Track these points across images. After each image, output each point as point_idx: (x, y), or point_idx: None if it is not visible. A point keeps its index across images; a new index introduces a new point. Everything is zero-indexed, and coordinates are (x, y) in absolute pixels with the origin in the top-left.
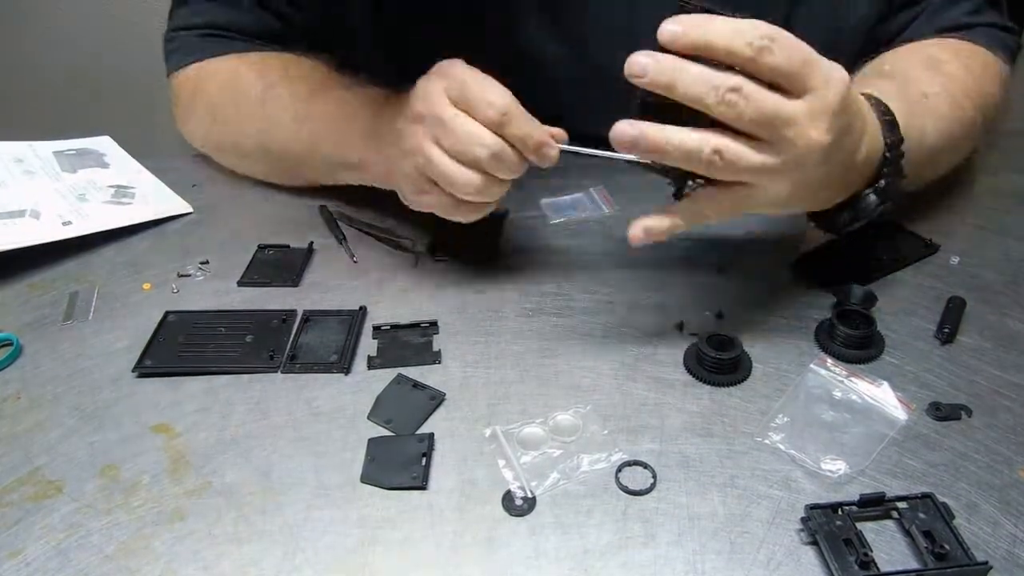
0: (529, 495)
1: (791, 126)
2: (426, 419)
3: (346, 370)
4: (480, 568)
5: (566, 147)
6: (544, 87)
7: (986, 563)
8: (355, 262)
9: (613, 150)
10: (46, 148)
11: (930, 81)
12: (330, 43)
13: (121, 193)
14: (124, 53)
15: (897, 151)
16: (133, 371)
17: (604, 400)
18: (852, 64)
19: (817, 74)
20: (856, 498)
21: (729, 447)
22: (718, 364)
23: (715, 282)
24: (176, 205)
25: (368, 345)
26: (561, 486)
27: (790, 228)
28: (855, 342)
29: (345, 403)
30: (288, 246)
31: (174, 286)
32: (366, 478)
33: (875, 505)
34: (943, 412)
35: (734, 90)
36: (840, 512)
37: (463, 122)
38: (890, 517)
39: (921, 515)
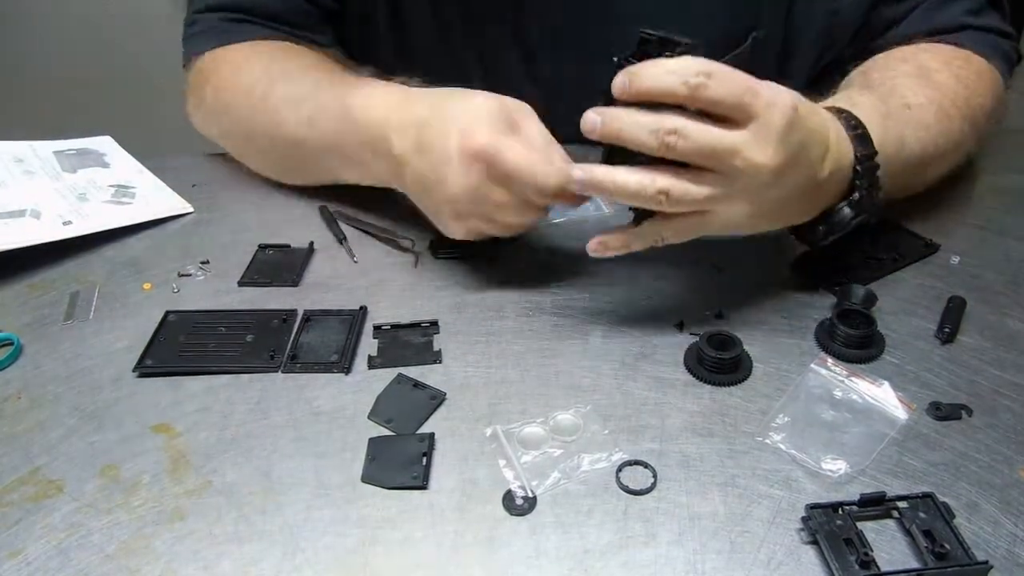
0: (530, 495)
1: (736, 155)
2: (427, 419)
3: (347, 370)
4: (481, 568)
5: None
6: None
7: (986, 563)
8: (355, 262)
9: None
10: (46, 148)
11: (916, 92)
12: (349, 28)
13: (121, 193)
14: (124, 53)
15: (870, 163)
16: (133, 371)
17: (604, 400)
18: (847, 50)
19: (759, 101)
20: (856, 498)
21: (730, 447)
22: (718, 364)
23: (715, 282)
24: (177, 205)
25: (369, 345)
26: (562, 486)
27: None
28: (855, 342)
29: (346, 403)
30: (288, 246)
31: (174, 286)
32: (367, 478)
33: (875, 505)
34: (943, 412)
35: (671, 132)
36: (841, 512)
37: (523, 158)
38: (890, 517)
39: (921, 515)
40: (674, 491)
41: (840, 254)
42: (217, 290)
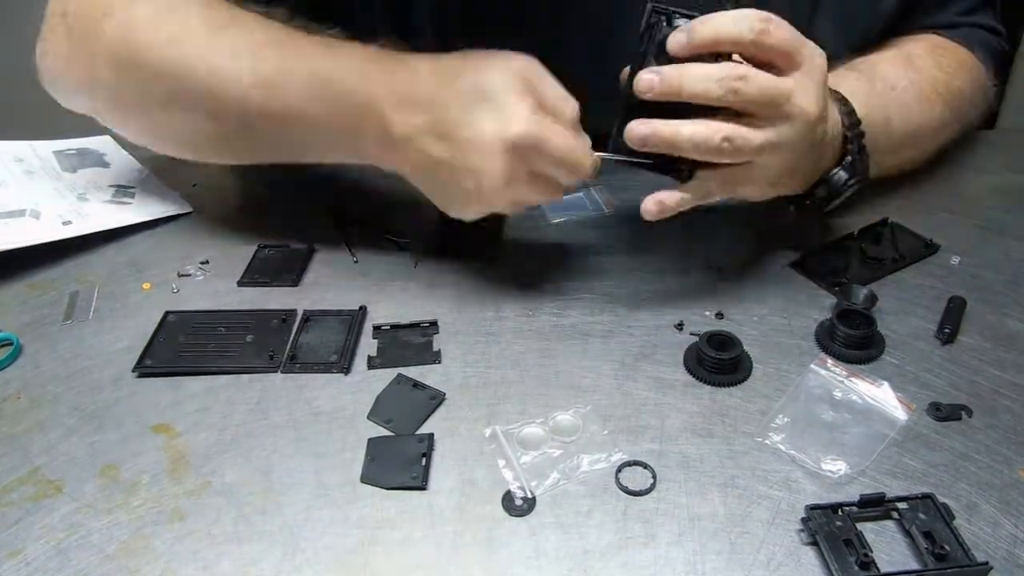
0: (529, 495)
1: (789, 99)
2: (426, 419)
3: (346, 370)
4: (480, 568)
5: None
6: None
7: (986, 563)
8: (355, 262)
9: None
10: (46, 148)
11: (899, 75)
12: (327, 9)
13: (121, 193)
14: None
15: (857, 129)
16: (133, 371)
17: (604, 400)
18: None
19: (805, 50)
20: (856, 498)
21: (729, 447)
22: (718, 364)
23: (715, 282)
24: (176, 205)
25: (368, 345)
26: (561, 486)
27: (790, 228)
28: (855, 342)
29: (345, 403)
30: (288, 246)
31: (174, 286)
32: (366, 478)
33: (875, 505)
34: (943, 412)
35: (740, 78)
36: (840, 512)
37: (560, 136)
38: (890, 517)
39: (921, 515)
40: (674, 492)
41: (840, 254)
42: (217, 290)
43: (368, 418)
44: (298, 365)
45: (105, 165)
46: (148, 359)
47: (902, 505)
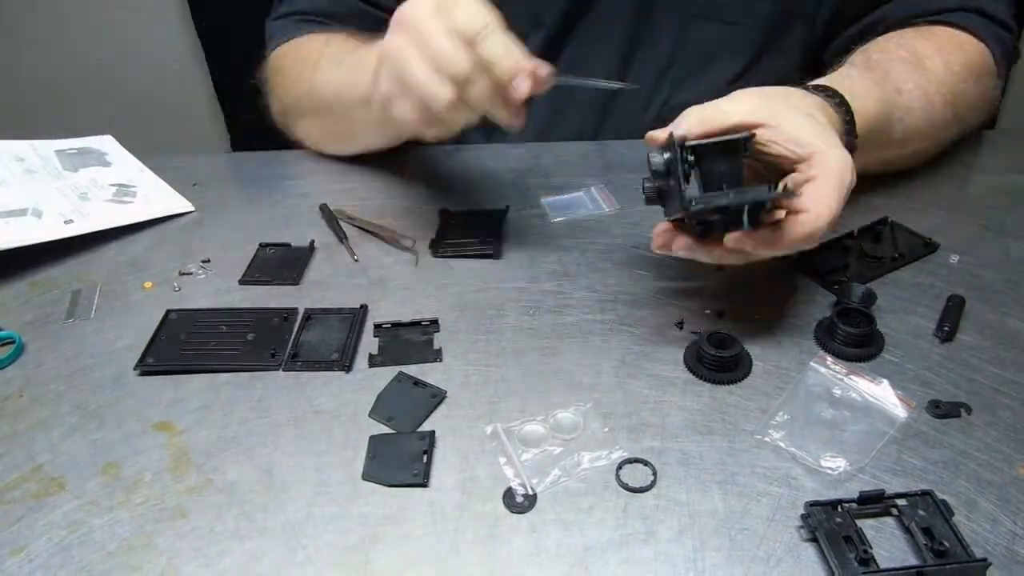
0: (530, 492)
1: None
2: (427, 417)
3: (347, 368)
4: (481, 565)
5: (558, 79)
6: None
7: (985, 560)
8: (356, 260)
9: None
10: (48, 147)
11: (907, 78)
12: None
13: (123, 192)
14: (125, 53)
15: (850, 138)
16: (135, 369)
17: (605, 398)
18: (854, 28)
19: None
20: (856, 495)
21: (729, 444)
22: (718, 362)
23: (715, 281)
24: (178, 204)
25: (369, 343)
26: (562, 483)
27: None
28: (855, 340)
29: (346, 401)
30: (289, 245)
31: (176, 284)
32: (367, 475)
33: (875, 502)
34: (943, 410)
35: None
36: (840, 509)
37: (439, 31)
38: (890, 514)
39: (921, 512)
40: (674, 489)
41: (840, 253)
42: (218, 289)
43: (369, 416)
44: (299, 363)
45: (106, 164)
46: (150, 357)
47: (901, 502)
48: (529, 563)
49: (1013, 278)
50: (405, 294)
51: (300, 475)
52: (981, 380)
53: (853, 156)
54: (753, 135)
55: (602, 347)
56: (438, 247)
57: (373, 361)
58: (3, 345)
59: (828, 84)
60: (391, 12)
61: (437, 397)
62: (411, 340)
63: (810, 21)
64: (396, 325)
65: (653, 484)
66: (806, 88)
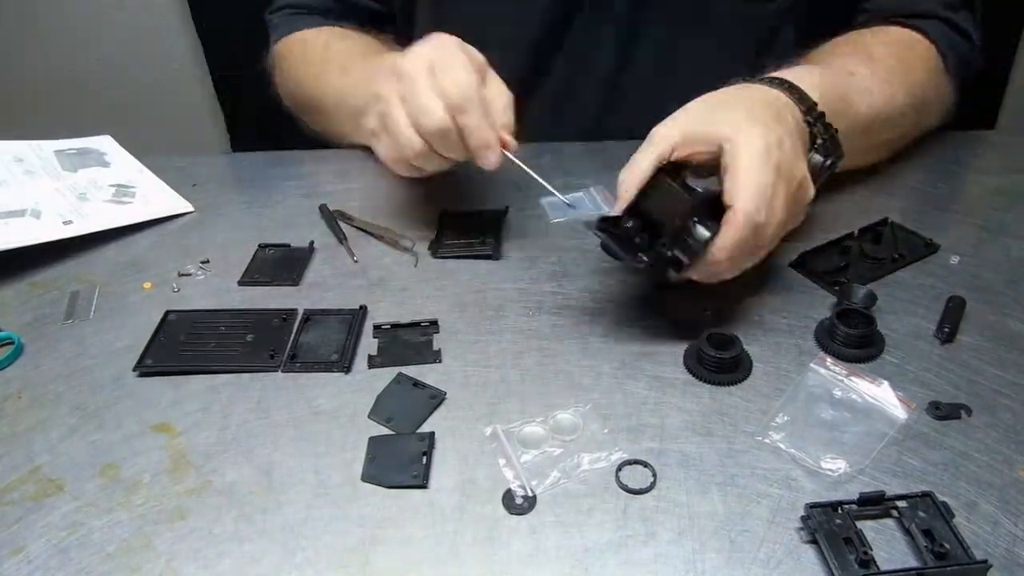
0: (529, 494)
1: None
2: (426, 418)
3: (347, 369)
4: (480, 566)
5: (510, 156)
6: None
7: (986, 562)
8: (355, 261)
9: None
10: (47, 147)
11: (857, 64)
12: (392, 23)
13: (122, 192)
14: (124, 53)
15: (815, 113)
16: (134, 370)
17: (604, 399)
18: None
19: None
20: (856, 497)
21: (729, 446)
22: (718, 363)
23: (715, 281)
24: (177, 204)
25: (368, 344)
26: (561, 485)
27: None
28: (855, 341)
29: (346, 402)
30: (289, 245)
31: (175, 285)
32: (367, 477)
33: (875, 504)
34: (943, 411)
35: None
36: (840, 511)
37: (424, 90)
38: (890, 516)
39: (921, 514)
40: (674, 490)
41: (840, 254)
42: (217, 289)
43: (369, 417)
44: (298, 364)
45: (106, 165)
46: (149, 358)
47: (902, 503)
48: (528, 565)
49: (1013, 279)
50: (404, 295)
51: (299, 476)
52: (981, 381)
53: (831, 134)
54: (625, 214)
55: (602, 348)
56: (438, 248)
57: (372, 362)
58: (2, 346)
59: (774, 76)
60: (385, 4)
61: (436, 398)
62: (410, 341)
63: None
64: (395, 326)
65: (653, 486)
66: (751, 80)
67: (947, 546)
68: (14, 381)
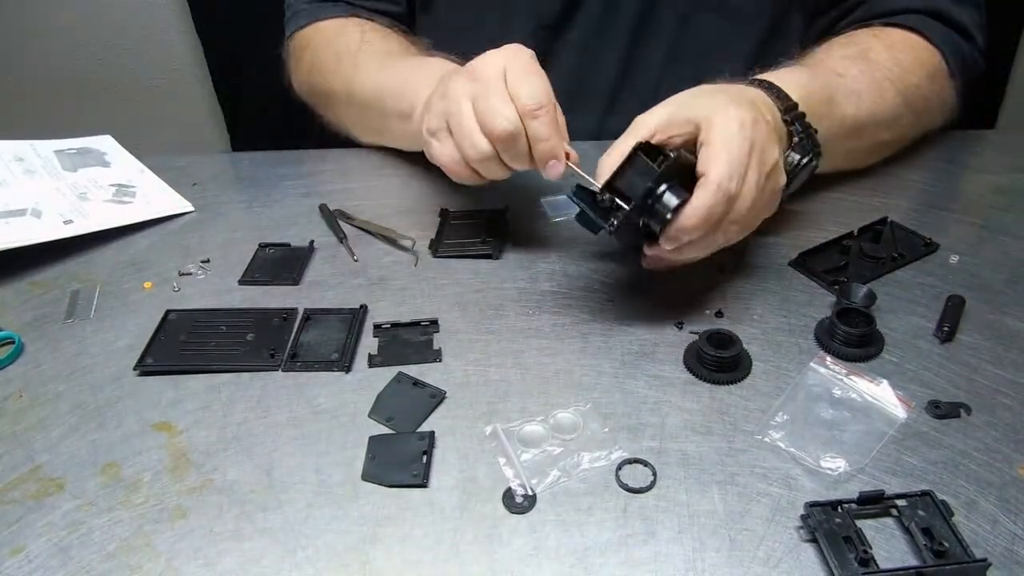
0: (529, 493)
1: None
2: (427, 417)
3: (347, 368)
4: (481, 565)
5: (574, 168)
6: None
7: (985, 560)
8: (356, 261)
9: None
10: (47, 147)
11: (848, 66)
12: (411, 22)
13: (122, 192)
14: (124, 53)
15: (794, 112)
16: (134, 369)
17: (604, 398)
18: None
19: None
20: (855, 496)
21: (729, 445)
22: (718, 362)
23: (715, 281)
24: (177, 204)
25: (369, 343)
26: (561, 484)
27: (789, 227)
28: (855, 340)
29: (346, 401)
30: (289, 245)
31: (175, 284)
32: (367, 476)
33: (874, 503)
34: (942, 410)
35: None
36: (840, 510)
37: (498, 92)
38: (889, 515)
39: (920, 513)
40: (674, 489)
41: (840, 253)
42: (218, 289)
43: (369, 416)
44: (299, 363)
45: (106, 164)
46: (149, 357)
47: (901, 502)
48: (528, 563)
49: (1013, 278)
50: (405, 294)
51: (299, 475)
52: (981, 380)
53: (808, 133)
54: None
55: (602, 347)
56: (438, 247)
57: (373, 361)
58: (3, 345)
59: (755, 77)
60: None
61: (437, 397)
62: (411, 340)
63: (809, 13)
64: (396, 325)
65: (653, 484)
66: (734, 80)
67: (946, 545)
68: (15, 380)
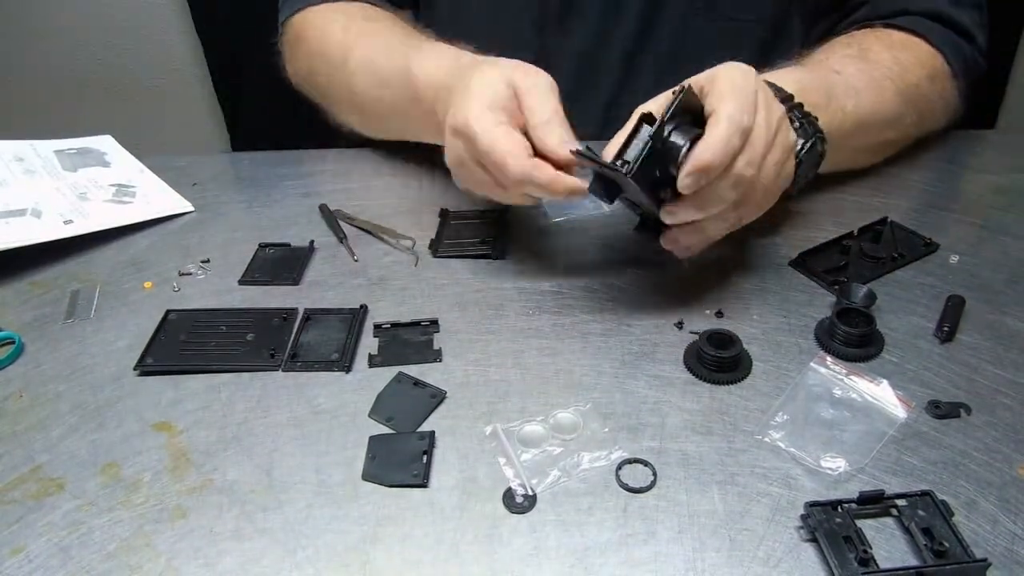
0: (530, 493)
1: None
2: (427, 417)
3: (347, 368)
4: (481, 565)
5: (584, 154)
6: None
7: (985, 560)
8: (356, 261)
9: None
10: (47, 147)
11: (847, 64)
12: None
13: (122, 192)
14: (124, 53)
15: (791, 103)
16: (134, 369)
17: (604, 398)
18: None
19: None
20: (855, 496)
21: (729, 445)
22: (718, 362)
23: (715, 281)
24: (177, 204)
25: (369, 343)
26: (561, 484)
27: (790, 227)
28: (855, 340)
29: (346, 401)
30: (289, 245)
31: (175, 284)
32: (367, 476)
33: (874, 503)
34: (942, 410)
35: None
36: (840, 509)
37: (495, 162)
38: (889, 514)
39: (920, 512)
40: (674, 489)
41: (840, 253)
42: (218, 289)
43: (369, 416)
44: (299, 363)
45: (106, 164)
46: (149, 357)
47: (901, 502)
48: (528, 563)
49: (1012, 278)
50: (405, 294)
51: (300, 475)
52: (981, 380)
53: (808, 120)
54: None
55: (602, 347)
56: (438, 247)
57: (373, 361)
58: (3, 345)
59: None
60: None
61: (437, 397)
62: (411, 340)
63: (809, 17)
64: (396, 325)
65: (653, 484)
66: None
67: (946, 544)
68: (15, 380)
